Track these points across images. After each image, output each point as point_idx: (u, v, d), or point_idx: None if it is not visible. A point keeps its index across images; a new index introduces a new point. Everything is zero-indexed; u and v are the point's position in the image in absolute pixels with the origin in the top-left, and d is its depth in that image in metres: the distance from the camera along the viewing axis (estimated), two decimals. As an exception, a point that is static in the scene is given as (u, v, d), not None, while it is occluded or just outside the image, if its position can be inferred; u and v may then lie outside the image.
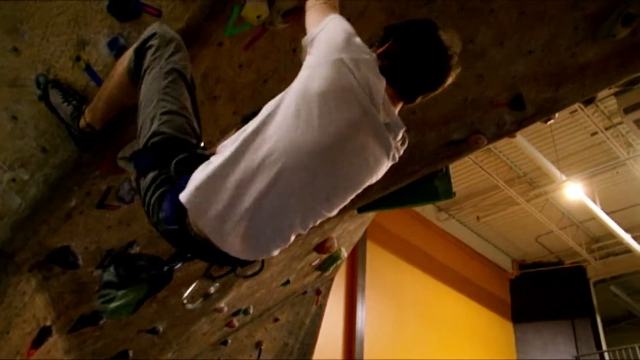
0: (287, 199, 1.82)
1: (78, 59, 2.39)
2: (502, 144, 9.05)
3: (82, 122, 2.37)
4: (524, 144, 8.32)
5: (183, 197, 1.77)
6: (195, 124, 2.01)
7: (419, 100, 2.05)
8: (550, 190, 10.35)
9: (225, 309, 5.10)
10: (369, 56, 1.89)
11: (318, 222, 1.96)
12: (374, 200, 4.46)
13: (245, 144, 1.78)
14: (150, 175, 1.88)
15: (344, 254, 5.80)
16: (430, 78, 1.98)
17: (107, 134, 2.45)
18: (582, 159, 9.71)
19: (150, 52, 2.06)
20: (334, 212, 1.97)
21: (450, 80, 2.00)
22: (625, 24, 3.33)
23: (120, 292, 2.47)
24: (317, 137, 1.79)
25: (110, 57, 2.42)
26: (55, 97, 2.39)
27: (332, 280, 6.61)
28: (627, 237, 10.57)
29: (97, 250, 3.34)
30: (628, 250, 11.18)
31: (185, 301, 2.46)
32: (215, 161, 1.80)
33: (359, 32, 1.97)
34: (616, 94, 7.83)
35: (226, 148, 1.83)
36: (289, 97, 1.82)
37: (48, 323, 3.53)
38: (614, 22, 3.33)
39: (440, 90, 2.02)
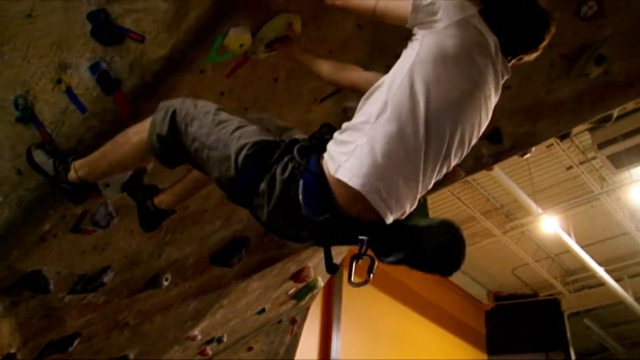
0: (436, 158, 1.94)
1: (59, 81, 2.39)
2: (480, 176, 9.13)
3: (71, 175, 2.36)
4: (501, 177, 8.41)
5: (358, 184, 1.79)
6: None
7: (510, 62, 2.15)
8: (526, 222, 10.44)
9: (199, 337, 5.04)
10: (476, 11, 2.00)
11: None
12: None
13: (396, 113, 1.84)
14: (263, 185, 1.87)
15: (320, 283, 5.77)
16: (530, 36, 2.14)
17: None
18: (557, 193, 9.83)
19: (177, 115, 2.08)
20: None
21: (547, 41, 2.16)
22: (597, 63, 3.42)
23: None
24: (459, 92, 1.92)
25: (91, 81, 2.42)
26: (40, 156, 2.40)
27: (307, 309, 6.56)
28: (600, 271, 10.68)
29: (70, 275, 3.30)
30: (602, 283, 11.28)
31: None
32: (368, 139, 1.83)
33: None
34: (590, 130, 7.96)
35: (366, 124, 1.86)
36: (421, 63, 1.89)
37: (13, 350, 3.45)
38: (586, 61, 3.42)
39: (538, 51, 2.18)
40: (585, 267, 10.94)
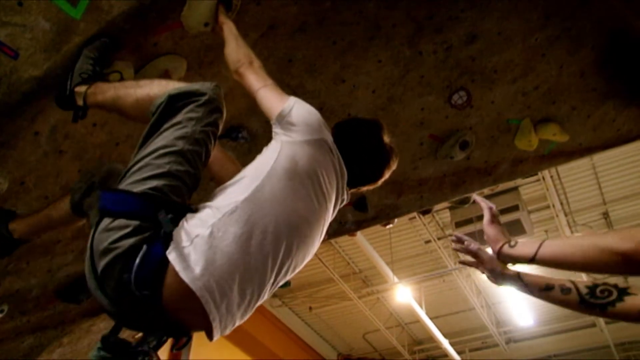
0: (276, 274, 1.85)
1: None
2: (343, 240, 9.33)
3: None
4: (363, 243, 8.62)
5: (193, 278, 1.60)
6: (187, 192, 1.85)
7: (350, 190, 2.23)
8: (382, 290, 10.74)
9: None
10: (332, 138, 2.08)
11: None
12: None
13: (243, 215, 1.73)
14: (125, 222, 1.64)
15: (171, 330, 5.57)
16: (368, 174, 2.26)
17: None
18: (414, 264, 10.23)
19: (190, 107, 1.92)
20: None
21: (386, 177, 2.30)
22: (462, 148, 3.66)
23: None
24: (305, 211, 1.89)
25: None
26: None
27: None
28: (445, 342, 11.12)
29: None
30: (445, 354, 11.75)
31: None
32: (210, 234, 1.67)
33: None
34: (450, 208, 8.46)
35: (212, 217, 1.72)
36: (278, 169, 1.86)
37: None
38: (452, 145, 3.66)
39: (373, 186, 2.29)
40: (431, 338, 11.36)
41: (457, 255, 10.01)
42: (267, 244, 1.75)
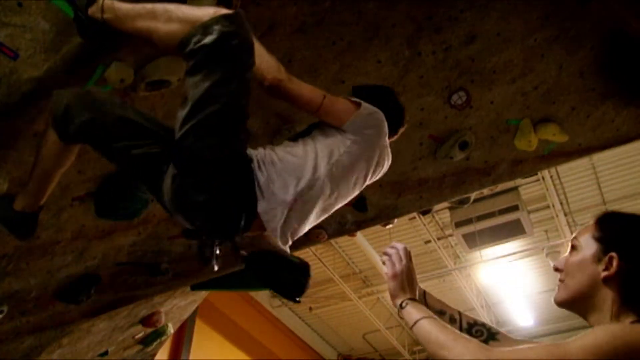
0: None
1: None
2: (343, 240, 9.32)
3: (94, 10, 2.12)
4: (363, 243, 8.63)
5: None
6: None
7: None
8: (382, 290, 10.73)
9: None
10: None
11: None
12: (208, 279, 4.40)
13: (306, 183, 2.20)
14: None
15: (170, 330, 5.58)
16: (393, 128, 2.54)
17: None
18: (414, 264, 10.18)
19: (226, 58, 1.90)
20: None
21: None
22: (461, 148, 3.67)
23: None
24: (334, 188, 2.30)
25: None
26: None
27: (153, 355, 6.29)
28: (444, 343, 11.12)
29: None
30: (445, 356, 11.74)
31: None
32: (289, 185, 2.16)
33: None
34: (450, 209, 8.47)
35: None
36: (337, 152, 2.25)
37: None
38: (452, 145, 3.66)
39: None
40: (431, 338, 11.33)
41: (457, 256, 10.03)
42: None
